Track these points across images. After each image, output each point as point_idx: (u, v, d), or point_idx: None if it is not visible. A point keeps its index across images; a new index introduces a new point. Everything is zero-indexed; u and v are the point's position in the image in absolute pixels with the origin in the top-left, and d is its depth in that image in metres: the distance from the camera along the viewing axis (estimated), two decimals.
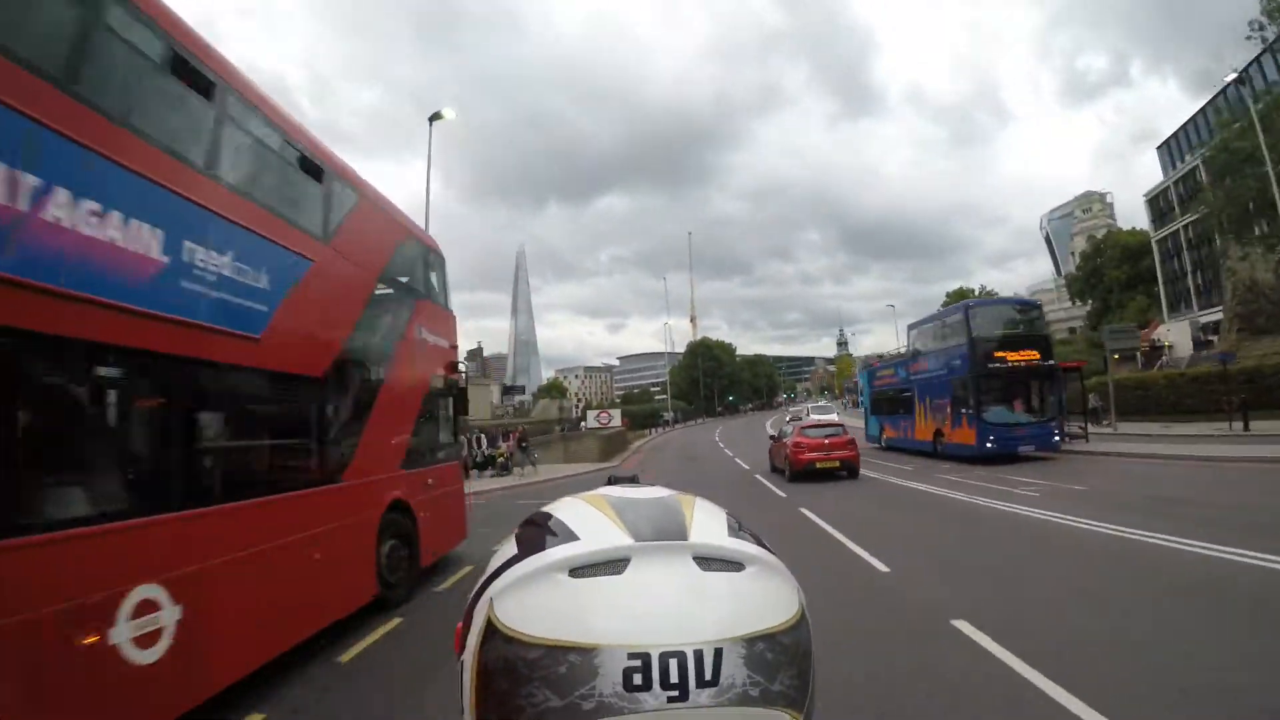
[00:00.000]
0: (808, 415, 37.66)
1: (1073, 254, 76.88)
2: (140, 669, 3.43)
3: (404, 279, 7.82)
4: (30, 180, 2.98)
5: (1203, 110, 42.39)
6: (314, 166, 5.98)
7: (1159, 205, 48.73)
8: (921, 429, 19.89)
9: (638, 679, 0.46)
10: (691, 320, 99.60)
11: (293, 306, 5.13)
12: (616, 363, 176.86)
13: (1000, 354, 16.81)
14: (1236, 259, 29.30)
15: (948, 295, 78.17)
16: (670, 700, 0.46)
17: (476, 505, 12.82)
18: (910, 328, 21.99)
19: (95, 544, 3.29)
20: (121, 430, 3.82)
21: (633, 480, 0.68)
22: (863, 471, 15.79)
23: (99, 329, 3.42)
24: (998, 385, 16.67)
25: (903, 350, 23.21)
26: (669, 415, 68.02)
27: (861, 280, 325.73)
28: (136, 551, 3.53)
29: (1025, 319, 18.06)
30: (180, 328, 3.95)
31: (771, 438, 20.91)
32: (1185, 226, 44.26)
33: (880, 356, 28.53)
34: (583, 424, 40.33)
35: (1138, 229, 55.22)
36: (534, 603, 0.50)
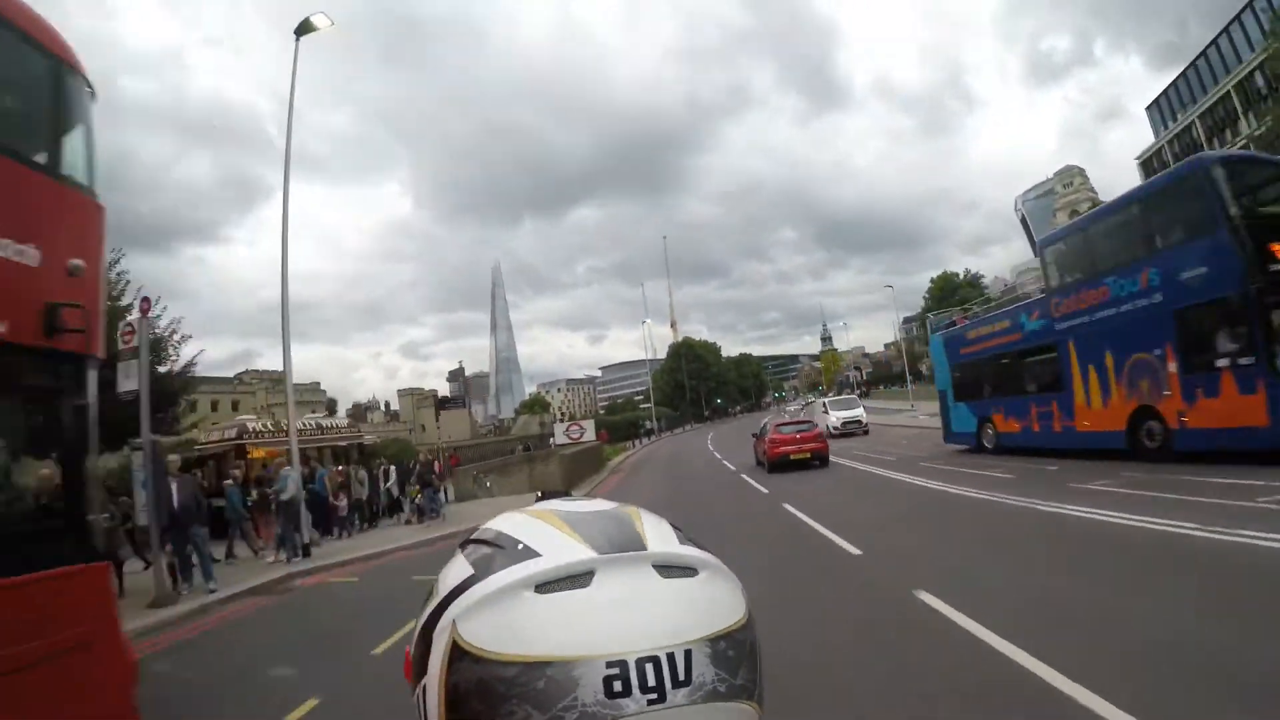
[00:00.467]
0: (826, 412, 30.17)
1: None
2: None
3: None
4: None
5: (1193, 65, 42.64)
6: None
7: (1153, 167, 44.90)
8: (1094, 411, 11.75)
9: (618, 686, 0.48)
10: (672, 325, 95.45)
11: None
12: (599, 374, 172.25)
13: None
14: None
15: (931, 281, 73.90)
16: (650, 703, 0.48)
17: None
18: (1044, 245, 13.90)
19: None
20: None
21: (566, 495, 0.71)
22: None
23: None
24: None
25: (986, 299, 16.71)
26: (650, 424, 59.33)
27: (840, 275, 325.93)
28: None
29: None
30: None
31: (754, 435, 21.72)
32: None
33: (964, 311, 19.06)
34: (551, 440, 31.87)
35: None
36: (502, 621, 0.51)
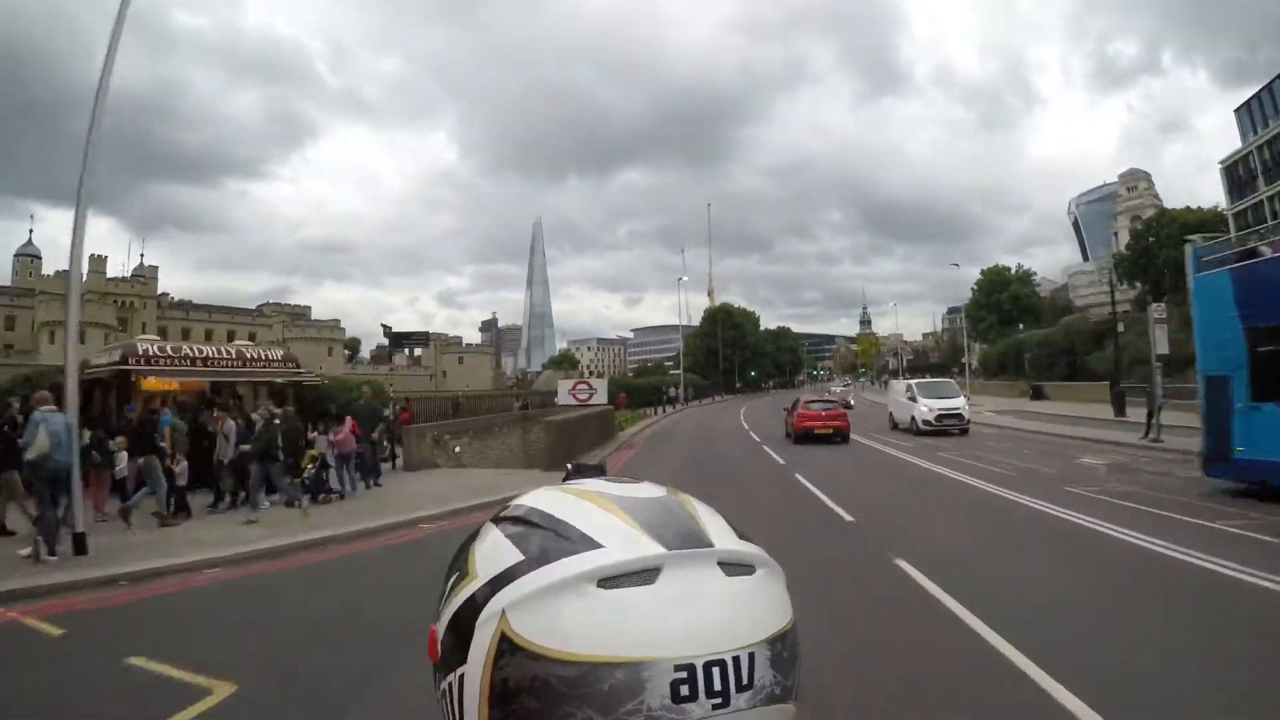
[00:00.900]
0: (912, 399, 22.46)
1: (1115, 234, 76.04)
2: None
3: None
4: None
5: None
6: None
7: (1237, 174, 43.10)
8: None
9: (685, 690, 0.46)
10: (709, 294, 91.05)
11: None
12: (631, 335, 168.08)
13: None
14: None
15: (981, 274, 70.27)
16: (715, 707, 0.46)
17: None
18: None
19: None
20: None
21: (599, 470, 0.65)
22: None
23: None
24: None
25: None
26: (674, 391, 52.34)
27: (882, 262, 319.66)
28: None
29: None
30: None
31: (785, 410, 23.75)
32: (1271, 197, 40.17)
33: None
34: (556, 399, 26.97)
35: (1193, 207, 52.41)
36: (563, 617, 0.47)
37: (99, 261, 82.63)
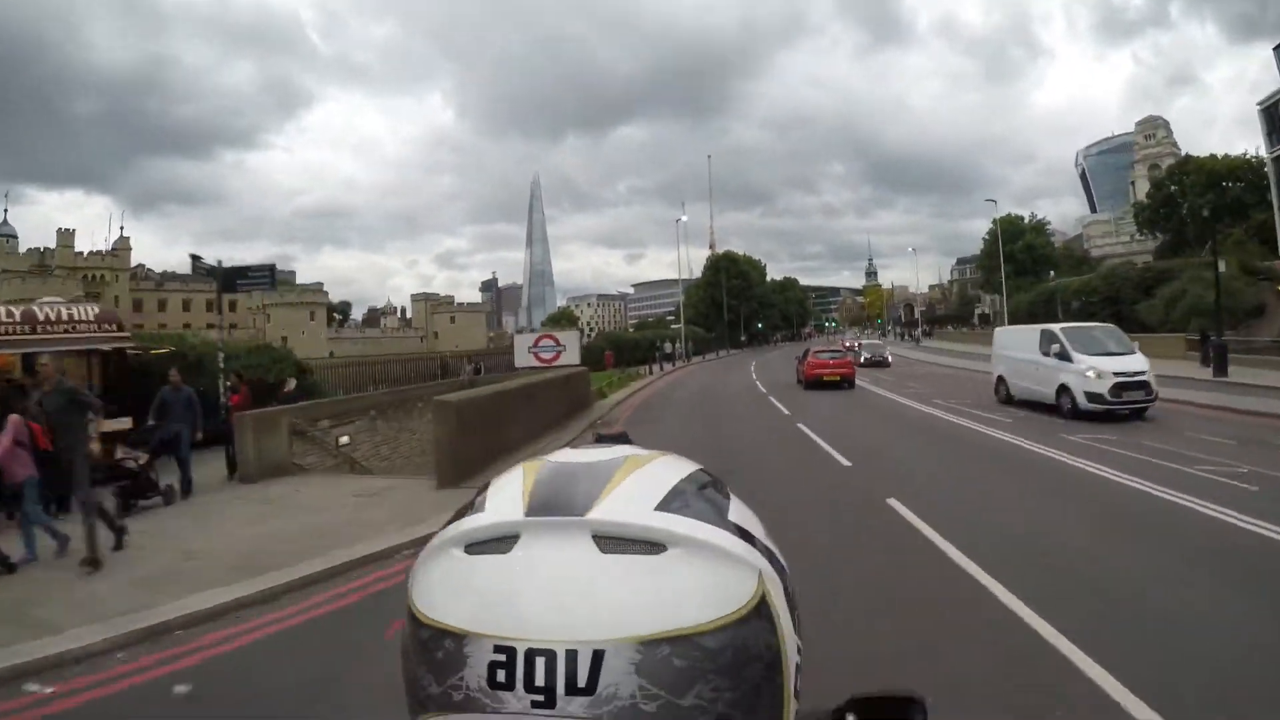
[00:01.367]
0: (1063, 351, 14.47)
1: (1133, 183, 74.51)
2: None
3: None
4: None
5: None
6: None
7: (1275, 113, 38.53)
8: None
9: (501, 675, 0.40)
10: (711, 247, 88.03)
11: None
12: (632, 291, 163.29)
13: None
14: None
15: (993, 223, 64.41)
16: (535, 705, 0.39)
17: None
18: None
19: None
20: None
21: (618, 439, 0.57)
22: None
23: None
24: None
25: None
26: (671, 346, 45.51)
27: (886, 214, 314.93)
28: None
29: None
30: None
31: (796, 359, 24.59)
32: None
33: None
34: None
35: (1217, 155, 49.65)
36: (433, 579, 0.45)
37: (66, 236, 78.12)
